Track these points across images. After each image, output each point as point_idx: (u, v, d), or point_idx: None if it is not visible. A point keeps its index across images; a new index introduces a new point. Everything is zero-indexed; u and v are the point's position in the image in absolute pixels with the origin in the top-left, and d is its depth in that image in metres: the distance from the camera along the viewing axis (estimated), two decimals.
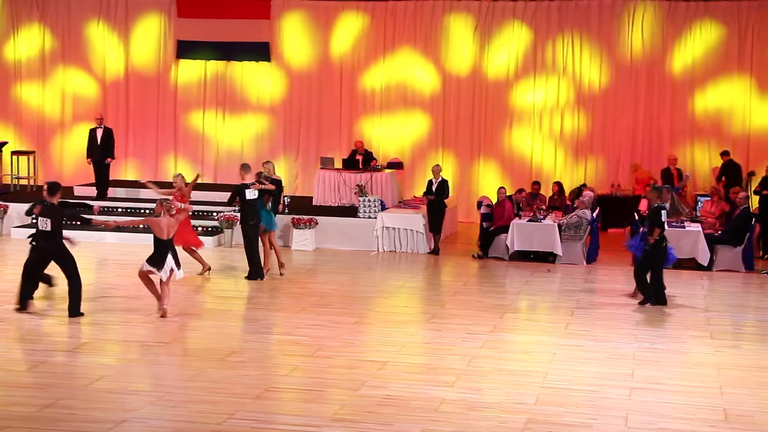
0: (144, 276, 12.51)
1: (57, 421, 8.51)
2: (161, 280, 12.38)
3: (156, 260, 12.36)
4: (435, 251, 17.85)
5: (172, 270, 12.37)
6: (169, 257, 12.37)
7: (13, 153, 21.68)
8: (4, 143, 21.43)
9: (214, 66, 22.76)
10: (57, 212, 12.33)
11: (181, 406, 8.98)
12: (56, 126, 23.26)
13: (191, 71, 22.92)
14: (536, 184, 19.66)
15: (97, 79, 23.14)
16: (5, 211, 18.74)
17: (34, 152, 21.76)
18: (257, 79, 22.73)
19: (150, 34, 22.94)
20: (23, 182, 21.60)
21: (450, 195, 18.46)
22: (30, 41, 23.15)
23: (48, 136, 23.21)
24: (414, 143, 22.29)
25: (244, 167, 15.26)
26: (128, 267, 15.57)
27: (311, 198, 20.51)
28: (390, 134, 22.30)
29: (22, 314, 12.30)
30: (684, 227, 16.95)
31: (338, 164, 20.77)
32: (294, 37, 22.46)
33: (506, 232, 17.27)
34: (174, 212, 12.61)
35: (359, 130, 22.25)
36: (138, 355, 10.80)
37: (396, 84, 22.20)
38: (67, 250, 12.43)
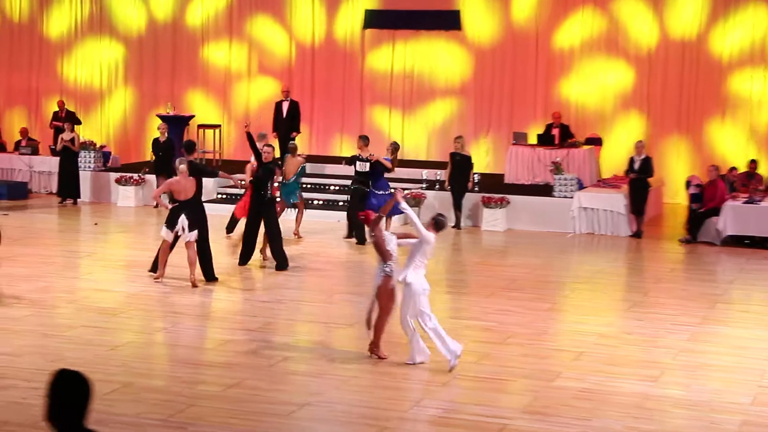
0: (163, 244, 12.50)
1: (241, 401, 8.43)
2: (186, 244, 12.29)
3: (169, 222, 12.39)
4: (637, 234, 17.12)
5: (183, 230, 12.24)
6: (182, 218, 12.25)
7: (200, 126, 22.07)
8: (191, 117, 21.86)
9: (403, 36, 22.09)
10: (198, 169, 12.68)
11: (367, 391, 8.83)
12: (242, 101, 23.32)
13: (379, 41, 22.24)
14: (753, 162, 18.56)
15: (285, 49, 22.96)
16: None
17: (219, 126, 22.05)
18: (446, 52, 21.96)
19: (338, 3, 22.55)
20: (209, 156, 21.88)
21: (654, 173, 17.57)
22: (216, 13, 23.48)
23: (233, 111, 23.29)
24: (616, 114, 20.96)
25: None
26: (310, 243, 15.51)
27: (502, 176, 19.92)
28: (589, 99, 21.00)
29: (204, 296, 12.36)
30: None
31: (532, 140, 20.02)
32: (481, 6, 21.56)
33: (717, 214, 16.53)
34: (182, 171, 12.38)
35: (556, 99, 21.07)
36: (323, 336, 10.66)
37: (595, 38, 20.77)
38: (205, 214, 12.57)
